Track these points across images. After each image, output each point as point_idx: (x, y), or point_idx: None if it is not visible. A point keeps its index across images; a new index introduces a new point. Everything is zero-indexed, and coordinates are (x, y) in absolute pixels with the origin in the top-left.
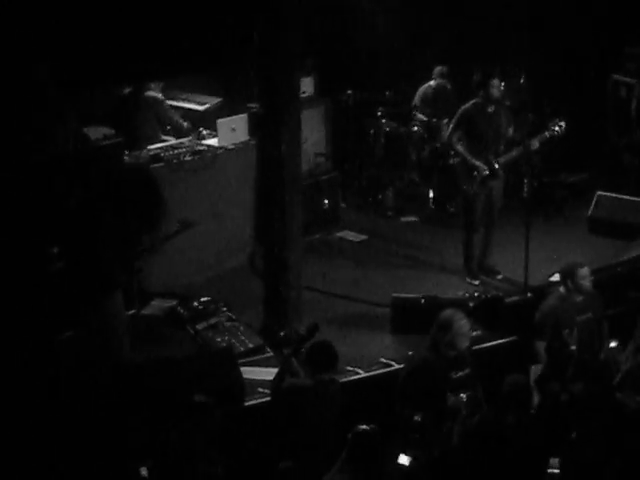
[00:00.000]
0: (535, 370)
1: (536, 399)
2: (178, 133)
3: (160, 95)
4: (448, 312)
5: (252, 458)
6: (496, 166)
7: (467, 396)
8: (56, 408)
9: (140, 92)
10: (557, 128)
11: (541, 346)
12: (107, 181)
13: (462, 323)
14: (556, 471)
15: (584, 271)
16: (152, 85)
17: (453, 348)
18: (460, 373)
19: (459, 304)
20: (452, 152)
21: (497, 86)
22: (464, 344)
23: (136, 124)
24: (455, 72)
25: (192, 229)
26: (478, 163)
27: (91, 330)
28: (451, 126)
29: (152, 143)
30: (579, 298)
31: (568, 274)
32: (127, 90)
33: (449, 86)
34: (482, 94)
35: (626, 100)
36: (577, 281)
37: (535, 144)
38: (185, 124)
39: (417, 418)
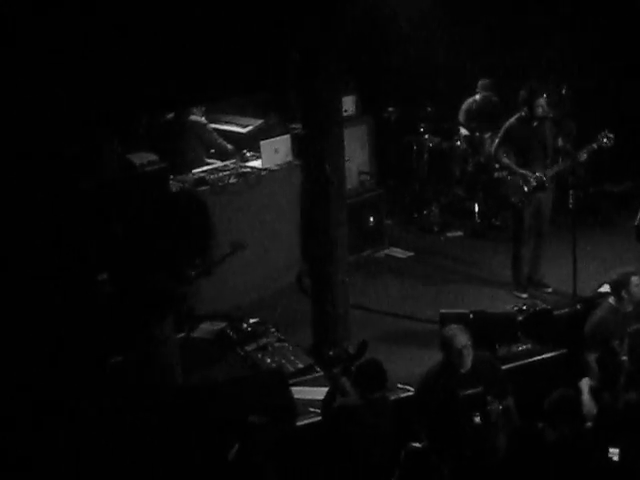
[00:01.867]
0: (586, 382)
1: (594, 410)
2: (223, 156)
3: (203, 119)
4: (446, 329)
5: (306, 478)
6: (544, 178)
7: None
8: (111, 432)
9: (183, 117)
10: (605, 140)
11: (592, 358)
12: (155, 205)
13: (459, 339)
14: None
15: (637, 279)
16: (194, 109)
17: (458, 365)
18: (470, 391)
19: (507, 318)
20: (498, 166)
21: (542, 104)
22: (466, 361)
23: (180, 149)
24: (499, 85)
25: (243, 251)
26: (527, 173)
27: (143, 355)
28: (497, 141)
29: (197, 167)
30: (629, 308)
31: (622, 283)
32: (170, 115)
33: (494, 99)
34: (527, 110)
35: None
36: (631, 289)
37: (583, 156)
38: (229, 146)
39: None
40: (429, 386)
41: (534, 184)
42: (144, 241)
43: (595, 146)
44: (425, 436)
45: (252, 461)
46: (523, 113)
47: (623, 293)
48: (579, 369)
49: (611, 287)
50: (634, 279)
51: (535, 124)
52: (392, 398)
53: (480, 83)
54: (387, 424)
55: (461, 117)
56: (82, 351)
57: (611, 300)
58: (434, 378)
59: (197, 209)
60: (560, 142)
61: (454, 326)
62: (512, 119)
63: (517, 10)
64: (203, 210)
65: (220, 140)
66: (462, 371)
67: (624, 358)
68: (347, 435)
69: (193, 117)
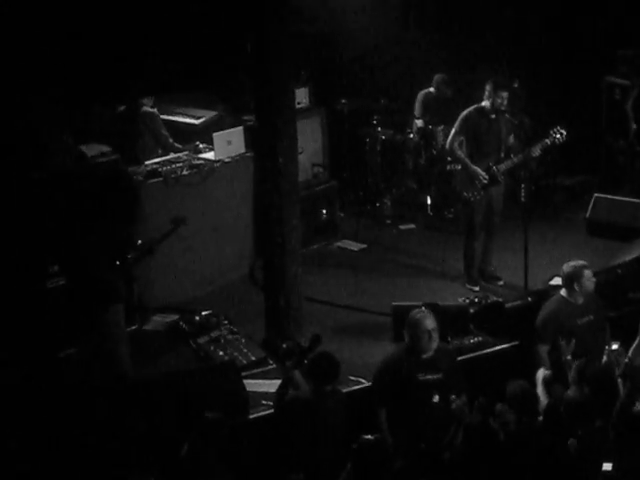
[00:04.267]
0: (541, 374)
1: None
2: (164, 149)
3: (155, 110)
4: (414, 311)
5: (258, 471)
6: (497, 172)
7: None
8: (59, 424)
9: (135, 108)
10: (558, 135)
11: (544, 350)
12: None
13: (427, 322)
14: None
15: (589, 273)
16: (144, 100)
17: (422, 348)
18: (429, 376)
19: (459, 311)
20: (451, 159)
21: (504, 97)
22: (431, 344)
23: (132, 141)
24: (454, 80)
25: (184, 225)
26: (478, 170)
27: (93, 346)
28: (453, 131)
29: (148, 159)
30: (580, 301)
31: (574, 276)
32: (122, 107)
33: (449, 93)
34: (488, 102)
35: (620, 102)
36: (583, 282)
37: (536, 151)
38: (170, 140)
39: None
40: (390, 369)
41: (486, 179)
42: (86, 228)
43: (548, 142)
44: (382, 423)
45: (204, 456)
46: (483, 104)
47: (575, 286)
48: (530, 361)
49: (563, 280)
50: (586, 272)
51: (493, 117)
52: (344, 390)
53: (436, 77)
54: (339, 416)
55: (416, 109)
56: (32, 344)
57: (563, 292)
58: (395, 361)
59: (125, 187)
60: (512, 139)
61: (422, 309)
62: (470, 109)
63: (470, 4)
64: (131, 188)
65: (165, 133)
66: (424, 356)
67: (568, 357)
68: (299, 428)
69: (145, 108)
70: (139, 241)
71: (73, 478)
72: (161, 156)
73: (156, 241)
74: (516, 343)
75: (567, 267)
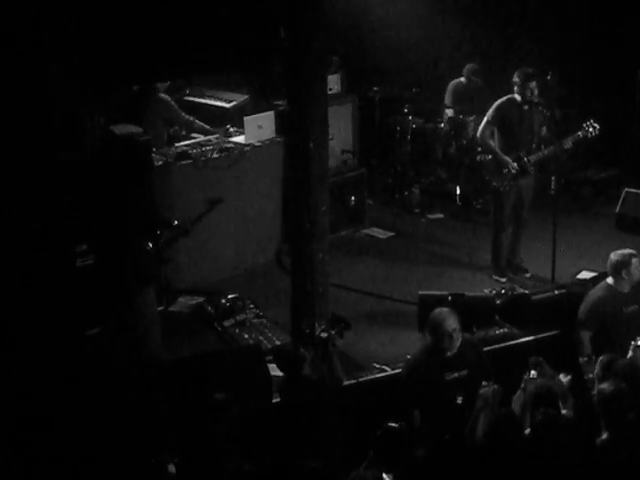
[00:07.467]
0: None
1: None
2: (189, 131)
3: (167, 96)
4: (436, 312)
5: (280, 455)
6: (526, 163)
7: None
8: (84, 402)
9: (149, 93)
10: (591, 129)
11: (586, 336)
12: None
13: (448, 323)
14: None
15: (637, 261)
16: (159, 86)
17: (445, 348)
18: (456, 374)
19: (486, 302)
20: (481, 148)
21: (533, 88)
22: (453, 344)
23: (142, 125)
24: (485, 70)
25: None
26: (508, 160)
27: (123, 326)
28: (485, 120)
29: (157, 145)
30: (627, 289)
31: (623, 264)
32: (135, 89)
33: (480, 83)
34: (519, 93)
35: None
36: (632, 270)
37: (568, 144)
38: (192, 119)
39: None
40: (415, 372)
41: (516, 169)
42: (123, 209)
43: (580, 135)
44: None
45: (215, 438)
46: (516, 95)
47: (623, 274)
48: (555, 354)
49: (611, 267)
50: (635, 260)
51: (526, 107)
52: (368, 377)
53: (467, 67)
54: (321, 401)
55: (447, 98)
56: (61, 322)
57: (609, 280)
58: (420, 364)
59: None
60: (544, 131)
61: (444, 309)
62: (503, 99)
63: None
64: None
65: (183, 115)
66: (448, 354)
67: (590, 376)
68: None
69: (162, 95)
70: (175, 222)
71: (97, 458)
72: (188, 138)
73: (191, 222)
74: (541, 336)
75: (615, 255)
